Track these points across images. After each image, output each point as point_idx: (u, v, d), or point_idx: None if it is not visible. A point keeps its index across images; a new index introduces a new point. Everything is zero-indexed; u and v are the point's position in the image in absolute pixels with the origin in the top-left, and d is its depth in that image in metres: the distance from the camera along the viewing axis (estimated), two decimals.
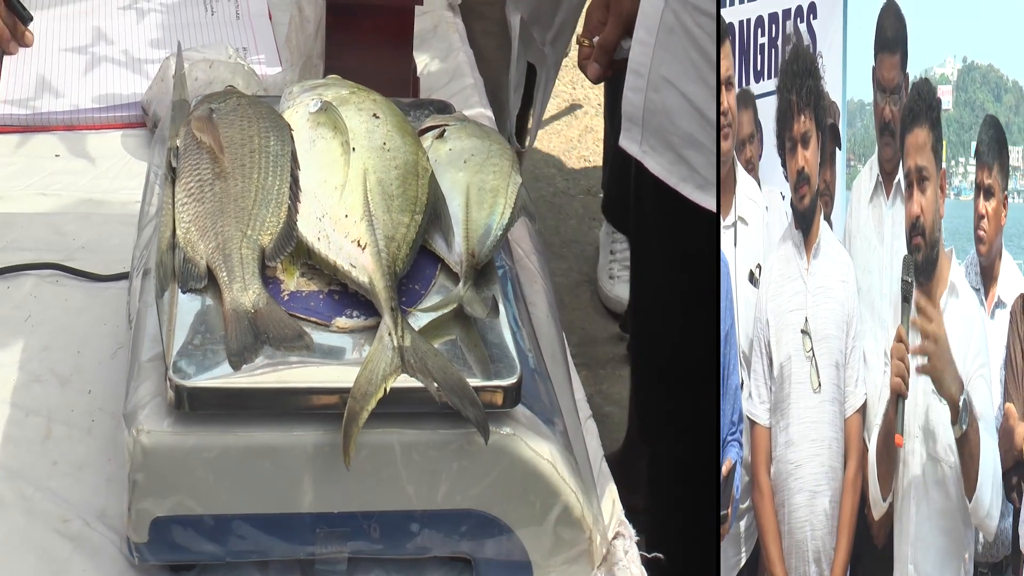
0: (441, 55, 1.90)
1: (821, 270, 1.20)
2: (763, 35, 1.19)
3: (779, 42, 1.18)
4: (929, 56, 1.11)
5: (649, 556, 1.09)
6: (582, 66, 1.74)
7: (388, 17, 1.63)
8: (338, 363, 1.01)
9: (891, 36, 1.15)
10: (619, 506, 1.13)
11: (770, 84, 1.19)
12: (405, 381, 0.99)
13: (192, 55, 1.61)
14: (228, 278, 1.05)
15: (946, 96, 1.11)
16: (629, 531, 1.10)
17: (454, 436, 1.00)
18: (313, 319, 1.04)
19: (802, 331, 1.20)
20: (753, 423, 1.21)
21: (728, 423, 1.20)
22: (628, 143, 1.58)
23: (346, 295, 1.07)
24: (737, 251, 1.18)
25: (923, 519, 1.15)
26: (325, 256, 1.08)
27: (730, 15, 1.16)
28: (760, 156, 1.20)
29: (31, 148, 1.61)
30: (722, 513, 1.20)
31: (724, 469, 1.20)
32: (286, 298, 1.06)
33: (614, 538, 1.09)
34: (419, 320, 1.05)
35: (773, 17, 1.19)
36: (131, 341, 1.10)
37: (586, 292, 3.42)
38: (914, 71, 1.12)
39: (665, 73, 1.50)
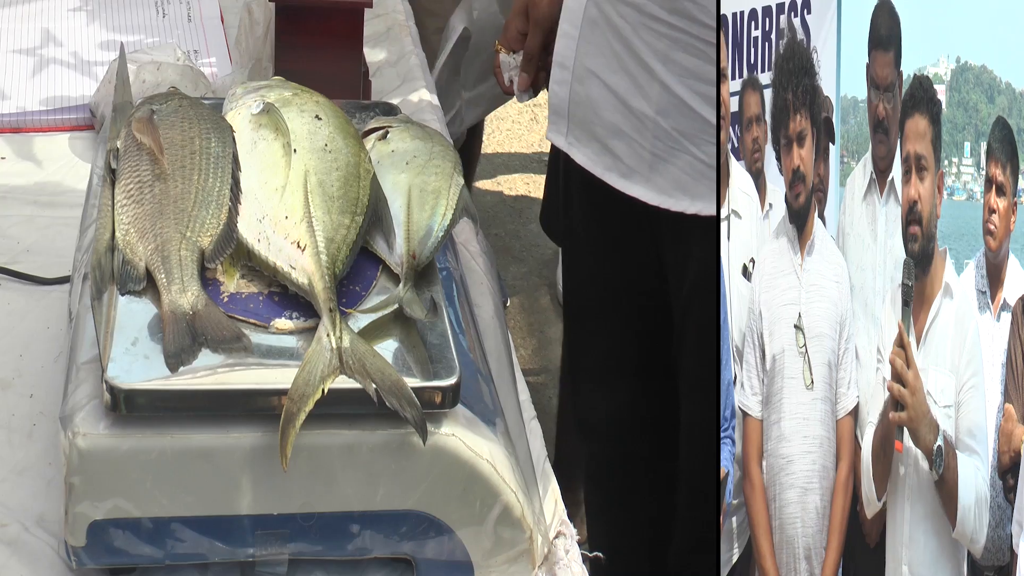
0: (393, 59, 1.90)
1: (815, 268, 1.21)
2: (756, 28, 1.20)
3: (773, 36, 1.18)
4: (923, 55, 1.12)
5: (590, 555, 1.09)
6: (497, 76, 1.73)
7: (338, 19, 1.63)
8: (276, 364, 1.01)
9: (885, 34, 1.15)
10: (561, 506, 1.14)
11: (765, 78, 1.20)
12: (343, 382, 0.99)
13: (140, 57, 1.61)
14: (167, 280, 1.04)
15: (940, 96, 1.11)
16: (570, 530, 1.10)
17: (393, 437, 1.00)
18: (252, 320, 1.04)
19: (795, 326, 1.21)
20: (745, 415, 1.21)
21: (721, 418, 1.21)
22: (555, 135, 1.61)
23: (286, 297, 1.07)
24: (730, 244, 1.18)
25: (917, 520, 1.15)
26: (265, 257, 1.07)
27: (725, 7, 1.16)
28: (766, 162, 1.21)
29: None
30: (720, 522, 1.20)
31: (723, 474, 1.20)
32: (225, 300, 1.06)
33: (556, 537, 1.09)
34: (359, 321, 1.05)
35: (767, 11, 1.19)
36: (69, 343, 1.09)
37: (545, 296, 3.42)
38: (908, 70, 1.12)
39: (589, 65, 1.52)
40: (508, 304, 3.32)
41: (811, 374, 1.20)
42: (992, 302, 1.12)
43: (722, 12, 1.16)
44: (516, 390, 1.26)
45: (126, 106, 1.27)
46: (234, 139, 1.16)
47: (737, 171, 1.20)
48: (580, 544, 1.11)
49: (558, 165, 1.80)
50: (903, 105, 1.12)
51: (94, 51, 1.79)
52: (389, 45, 1.93)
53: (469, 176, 2.83)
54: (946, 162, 1.12)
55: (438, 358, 1.03)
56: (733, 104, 1.20)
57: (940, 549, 1.16)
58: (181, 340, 1.00)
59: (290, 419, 0.97)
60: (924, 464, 1.13)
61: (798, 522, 1.22)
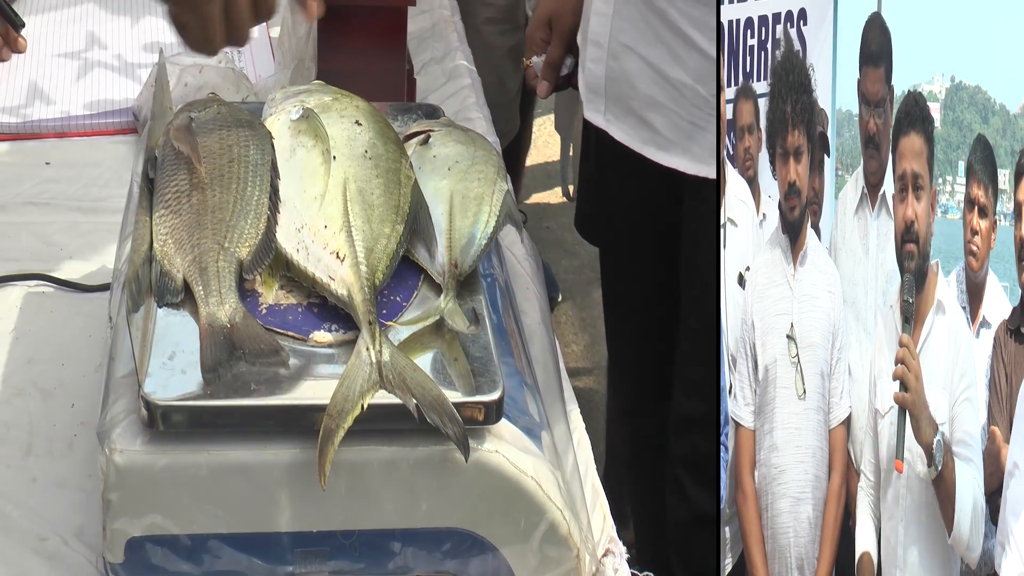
0: (439, 55, 1.88)
1: (807, 278, 1.20)
2: (752, 37, 1.20)
3: (769, 45, 1.17)
4: (917, 72, 1.12)
5: (640, 574, 1.06)
6: (530, 86, 1.80)
7: (381, 18, 1.60)
8: (314, 378, 0.98)
9: (875, 50, 1.15)
10: (610, 522, 1.11)
11: (760, 87, 1.18)
12: (383, 397, 0.97)
13: (182, 60, 1.59)
14: (204, 292, 1.02)
15: (934, 114, 1.11)
16: (619, 548, 1.07)
17: (434, 453, 0.98)
18: (290, 333, 1.02)
19: (788, 336, 1.20)
20: (738, 425, 1.20)
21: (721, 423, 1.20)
22: (593, 114, 1.63)
23: (325, 308, 1.04)
24: (726, 253, 1.17)
25: (911, 541, 1.14)
26: (304, 268, 1.05)
27: (722, 15, 1.16)
28: (760, 148, 1.19)
29: (21, 156, 1.59)
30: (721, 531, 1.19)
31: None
32: (264, 312, 1.04)
33: (604, 555, 1.07)
34: (399, 334, 1.02)
35: (763, 20, 1.20)
36: (107, 356, 1.07)
37: (598, 290, 3.38)
38: (902, 87, 1.12)
39: (624, 40, 1.55)
40: (560, 300, 3.29)
41: (803, 384, 1.20)
42: (972, 320, 1.11)
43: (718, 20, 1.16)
44: (563, 399, 1.23)
45: (165, 112, 1.25)
46: (273, 146, 1.14)
47: (733, 179, 1.20)
48: (628, 547, 1.08)
49: (588, 161, 1.79)
50: (897, 122, 1.13)
51: (138, 53, 1.78)
52: (434, 42, 1.91)
53: (519, 168, 2.80)
54: (940, 180, 1.12)
55: (481, 371, 1.00)
56: (727, 112, 1.20)
57: (934, 561, 1.15)
58: (218, 354, 0.98)
59: (328, 436, 0.94)
60: (921, 467, 1.11)
61: (790, 532, 1.21)
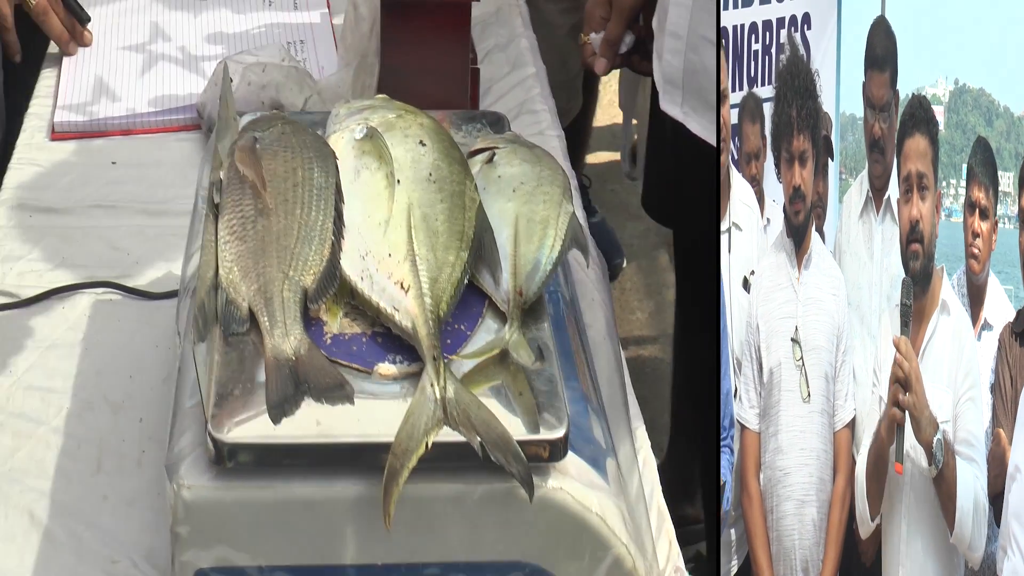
0: (503, 42, 1.87)
1: (812, 281, 1.21)
2: (757, 42, 1.20)
3: (773, 49, 1.18)
4: (921, 75, 1.11)
5: None
6: (587, 63, 1.77)
7: (444, 14, 1.59)
8: (379, 414, 0.98)
9: (881, 53, 1.15)
10: (676, 548, 1.11)
11: (764, 91, 1.20)
12: (448, 435, 0.97)
13: (245, 58, 1.59)
14: (269, 323, 1.03)
15: (938, 117, 1.11)
16: None
17: (499, 490, 0.97)
18: (355, 366, 1.02)
19: (792, 339, 1.21)
20: (743, 428, 1.21)
21: (721, 428, 1.20)
22: (669, 106, 1.61)
23: (390, 337, 1.04)
24: (731, 257, 1.18)
25: (913, 539, 1.14)
26: (368, 297, 1.05)
27: (725, 19, 1.16)
28: (764, 174, 1.20)
29: (88, 155, 1.60)
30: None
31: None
32: (328, 342, 1.04)
33: None
34: (464, 365, 1.02)
35: (767, 24, 1.19)
36: (174, 381, 1.08)
37: (664, 255, 3.36)
38: (906, 89, 1.12)
39: (704, 32, 1.52)
40: (625, 265, 3.27)
41: (808, 387, 1.20)
42: (974, 323, 1.11)
43: (722, 25, 1.15)
44: (628, 416, 1.22)
45: (229, 123, 1.25)
46: (337, 167, 1.13)
47: (739, 182, 1.19)
48: (694, 522, 1.07)
49: (661, 146, 1.77)
50: (902, 124, 1.12)
51: (201, 45, 1.79)
52: (498, 27, 1.89)
53: (582, 145, 2.77)
54: (944, 184, 1.11)
55: (546, 406, 0.99)
56: (733, 115, 1.19)
57: (936, 570, 1.15)
58: (284, 389, 0.99)
59: (393, 476, 0.94)
60: (923, 462, 1.11)
61: (795, 534, 1.21)
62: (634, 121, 2.51)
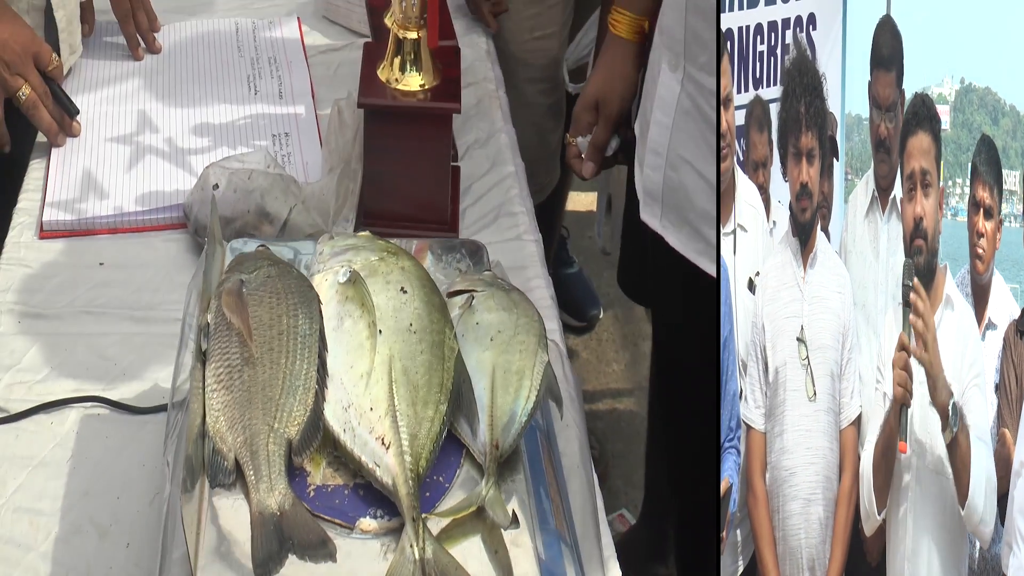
0: (483, 137, 1.91)
1: (817, 280, 1.22)
2: (762, 43, 1.21)
3: (778, 51, 1.20)
4: (927, 75, 1.12)
5: None
6: (572, 165, 1.83)
7: (426, 122, 1.63)
8: (362, 573, 1.03)
9: (887, 54, 1.16)
10: None
11: (769, 92, 1.21)
12: None
13: (231, 163, 1.63)
14: (255, 477, 1.07)
15: (944, 116, 1.12)
16: None
17: None
18: (338, 521, 1.07)
19: (798, 339, 1.22)
20: (748, 428, 1.23)
21: (726, 429, 1.22)
22: (649, 218, 1.66)
23: (371, 491, 1.09)
24: (736, 259, 1.20)
25: (920, 533, 1.16)
26: (350, 450, 1.09)
27: (729, 21, 1.17)
28: (771, 178, 1.22)
29: (76, 255, 1.63)
30: (721, 534, 1.21)
31: (723, 487, 1.22)
32: (311, 494, 1.08)
33: None
34: (442, 521, 1.07)
35: (772, 25, 1.20)
36: (161, 532, 1.12)
37: (639, 306, 3.41)
38: (912, 89, 1.13)
39: (682, 153, 1.57)
40: (601, 315, 3.31)
41: (813, 386, 1.21)
42: (979, 322, 1.13)
43: (728, 26, 1.16)
44: (600, 547, 1.26)
45: (216, 250, 1.30)
46: (321, 313, 1.18)
47: (744, 184, 1.21)
48: None
49: (638, 234, 1.82)
50: (905, 123, 1.14)
51: (188, 137, 1.82)
52: (479, 121, 1.94)
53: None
54: (950, 183, 1.13)
55: (521, 568, 1.04)
56: (741, 118, 1.20)
57: (942, 563, 1.17)
58: (269, 546, 1.03)
59: None
60: (931, 449, 1.12)
61: (801, 533, 1.23)
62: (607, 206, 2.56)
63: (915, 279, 1.13)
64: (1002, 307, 1.11)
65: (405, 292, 1.19)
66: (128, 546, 1.27)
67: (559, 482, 1.25)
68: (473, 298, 1.23)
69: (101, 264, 1.63)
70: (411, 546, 1.02)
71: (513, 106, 2.04)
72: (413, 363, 1.14)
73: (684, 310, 1.71)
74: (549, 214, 2.61)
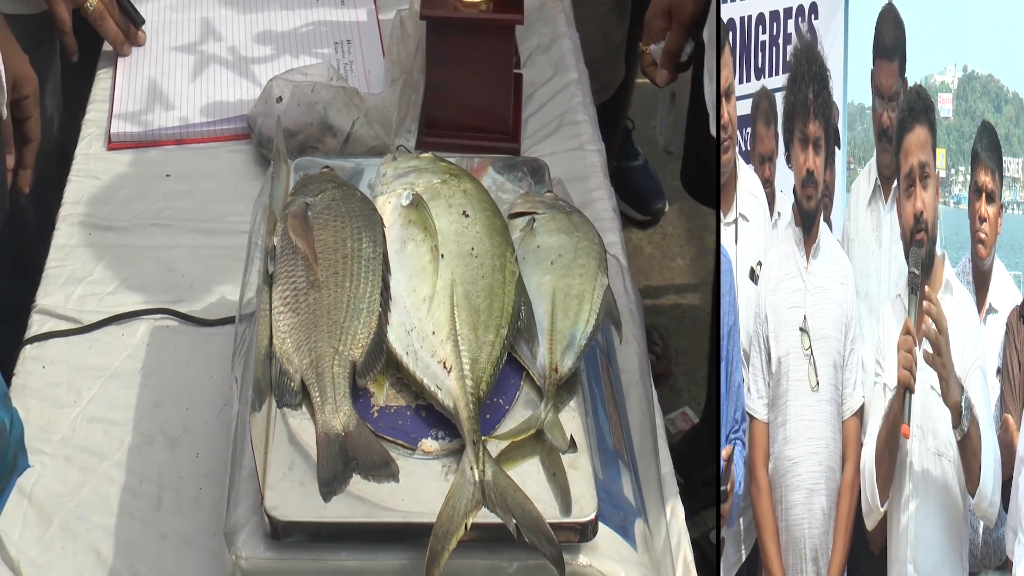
0: (545, 42, 1.91)
1: (820, 270, 1.24)
2: (764, 32, 1.22)
3: (780, 40, 1.21)
4: (929, 63, 1.13)
5: None
6: (647, 72, 1.80)
7: (489, 34, 1.64)
8: (423, 492, 1.07)
9: (889, 43, 1.17)
10: None
11: (772, 82, 1.22)
12: (485, 516, 1.05)
13: (295, 76, 1.65)
14: (320, 399, 1.11)
15: (946, 104, 1.13)
16: None
17: (531, 567, 1.06)
18: (400, 442, 1.11)
19: (800, 329, 1.24)
20: (752, 418, 1.26)
21: (731, 420, 1.25)
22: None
23: (432, 413, 1.13)
24: (738, 248, 1.22)
25: (922, 517, 1.19)
26: (412, 372, 1.13)
27: (730, 11, 1.18)
28: (777, 154, 1.23)
29: (143, 166, 1.67)
30: (723, 505, 1.25)
31: (724, 453, 1.25)
32: (375, 415, 1.12)
33: None
34: (501, 444, 1.10)
35: (775, 15, 1.21)
36: (231, 449, 1.17)
37: None
38: (914, 77, 1.14)
39: None
40: (667, 209, 3.31)
41: (816, 376, 1.24)
42: (979, 307, 1.15)
43: (729, 16, 1.17)
44: (658, 461, 1.30)
45: (281, 171, 1.33)
46: (384, 236, 1.21)
47: (746, 174, 1.22)
48: None
49: (702, 135, 1.83)
50: (901, 120, 1.15)
51: (251, 46, 1.84)
52: (541, 26, 1.94)
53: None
54: (952, 171, 1.14)
55: (579, 489, 1.08)
56: (743, 107, 1.21)
57: (945, 545, 1.20)
58: (334, 466, 1.08)
59: (435, 557, 1.03)
60: (933, 442, 1.15)
61: (804, 523, 1.26)
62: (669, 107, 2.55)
63: (921, 270, 1.15)
64: (1003, 292, 1.13)
65: (467, 216, 1.22)
66: (198, 456, 1.33)
67: (618, 400, 1.29)
68: (534, 220, 1.25)
69: (168, 176, 1.66)
70: (471, 468, 1.06)
71: (576, 4, 2.04)
72: (475, 287, 1.17)
73: None
74: (613, 113, 2.61)
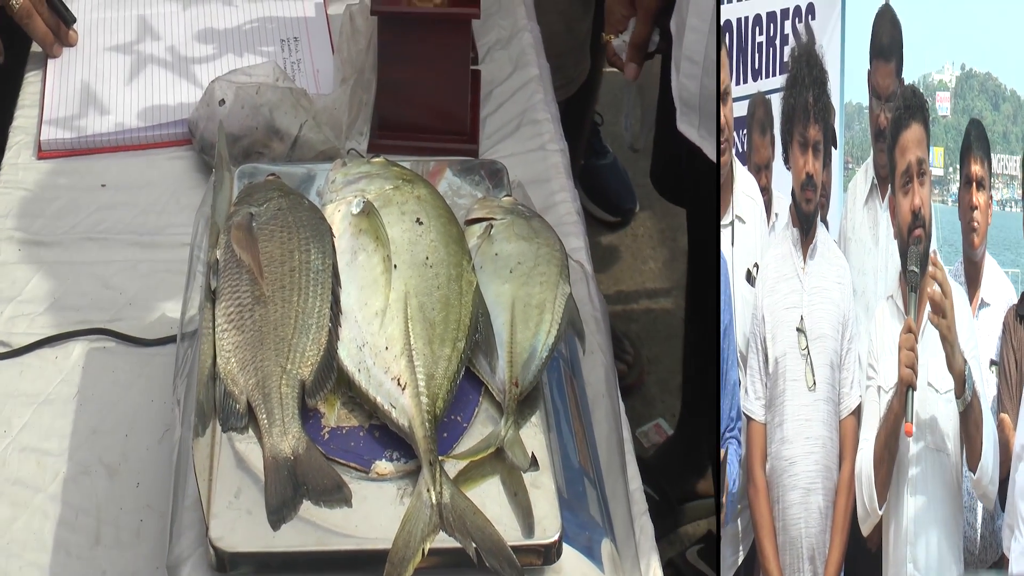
0: (505, 36, 1.93)
1: (817, 271, 1.30)
2: (761, 33, 1.28)
3: (777, 41, 1.27)
4: (927, 61, 1.19)
5: None
6: (613, 63, 1.83)
7: (444, 29, 1.66)
8: (377, 518, 1.09)
9: (886, 43, 1.23)
10: None
11: (768, 83, 1.27)
12: (443, 540, 1.07)
13: (238, 77, 1.67)
14: (268, 421, 1.13)
15: (944, 103, 1.18)
16: None
17: None
18: (353, 465, 1.12)
19: (797, 329, 1.30)
20: (749, 419, 1.31)
21: (727, 419, 1.30)
22: (686, 128, 1.70)
23: (387, 432, 1.14)
24: (735, 250, 1.27)
25: (921, 513, 1.24)
26: (365, 391, 1.15)
27: (727, 12, 1.23)
28: (773, 172, 1.29)
29: (77, 176, 1.68)
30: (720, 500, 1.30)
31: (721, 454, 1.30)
32: (326, 437, 1.14)
33: None
34: (459, 463, 1.12)
35: (772, 16, 1.27)
36: (173, 477, 1.18)
37: None
38: (912, 76, 1.20)
39: None
40: (638, 209, 3.33)
41: (813, 376, 1.29)
42: (971, 301, 1.21)
43: (726, 18, 1.23)
44: (626, 477, 1.32)
45: (224, 179, 1.34)
46: (334, 246, 1.22)
47: (742, 175, 1.28)
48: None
49: (673, 134, 1.85)
50: (896, 119, 1.21)
51: (191, 45, 1.86)
52: (500, 19, 1.96)
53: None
54: (951, 169, 1.20)
55: (542, 510, 1.10)
56: (739, 109, 1.26)
57: (942, 539, 1.25)
58: (283, 491, 1.09)
59: None
60: (931, 437, 1.19)
61: (801, 523, 1.31)
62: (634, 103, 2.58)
63: (919, 267, 1.20)
64: (995, 286, 1.18)
65: (421, 223, 1.23)
66: (138, 486, 1.34)
67: (583, 414, 1.31)
68: (492, 227, 1.27)
69: (103, 185, 1.67)
70: (428, 490, 1.08)
71: None
72: (430, 299, 1.18)
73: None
74: (579, 108, 2.63)
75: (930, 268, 1.22)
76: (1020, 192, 1.12)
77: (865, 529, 1.30)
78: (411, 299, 1.18)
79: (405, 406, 1.13)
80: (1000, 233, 1.16)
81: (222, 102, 1.64)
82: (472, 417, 1.17)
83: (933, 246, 1.20)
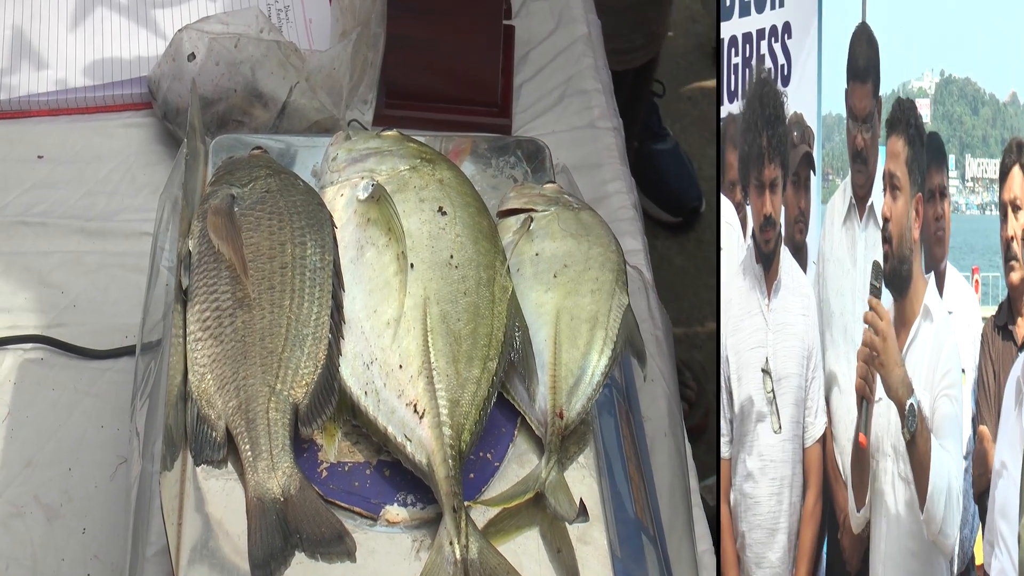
0: None
1: (781, 306, 1.47)
2: (737, 55, 1.47)
3: (753, 63, 1.44)
4: (907, 70, 1.32)
5: None
6: None
7: None
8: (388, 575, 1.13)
9: (862, 64, 1.36)
10: None
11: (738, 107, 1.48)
12: None
13: (212, 26, 1.71)
14: (252, 453, 1.17)
15: (924, 110, 1.31)
16: None
17: None
18: (357, 509, 1.17)
19: (763, 370, 1.47)
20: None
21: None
22: None
23: (400, 470, 1.19)
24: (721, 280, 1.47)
25: (892, 539, 1.36)
26: (373, 419, 1.19)
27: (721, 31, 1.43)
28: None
29: (7, 145, 1.73)
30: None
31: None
32: (324, 475, 1.18)
33: None
34: (490, 510, 1.16)
35: (747, 37, 1.45)
36: (130, 522, 1.23)
37: None
38: (892, 84, 1.33)
39: None
40: (703, 209, 3.36)
41: (779, 421, 1.47)
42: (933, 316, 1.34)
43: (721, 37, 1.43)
44: (693, 537, 1.37)
45: (198, 154, 1.39)
46: (335, 239, 1.27)
47: (725, 203, 1.48)
48: None
49: None
50: (887, 126, 1.35)
51: None
52: None
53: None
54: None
55: (591, 570, 1.14)
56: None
57: (917, 571, 1.34)
58: (270, 541, 1.13)
59: None
60: (896, 463, 1.30)
61: (764, 562, 1.49)
62: None
63: (882, 282, 1.34)
64: (957, 293, 1.28)
65: (444, 213, 1.28)
66: (84, 532, 1.38)
67: (640, 456, 1.35)
68: (532, 220, 1.31)
69: (40, 157, 1.72)
70: (450, 543, 1.12)
71: None
72: (455, 307, 1.23)
73: None
74: (643, 82, 2.66)
75: (869, 299, 1.36)
76: (998, 195, 1.22)
77: (855, 526, 1.41)
78: (431, 307, 1.22)
79: (423, 439, 1.17)
80: (979, 238, 1.27)
81: (192, 57, 1.68)
82: (505, 454, 1.21)
83: (928, 275, 1.30)
